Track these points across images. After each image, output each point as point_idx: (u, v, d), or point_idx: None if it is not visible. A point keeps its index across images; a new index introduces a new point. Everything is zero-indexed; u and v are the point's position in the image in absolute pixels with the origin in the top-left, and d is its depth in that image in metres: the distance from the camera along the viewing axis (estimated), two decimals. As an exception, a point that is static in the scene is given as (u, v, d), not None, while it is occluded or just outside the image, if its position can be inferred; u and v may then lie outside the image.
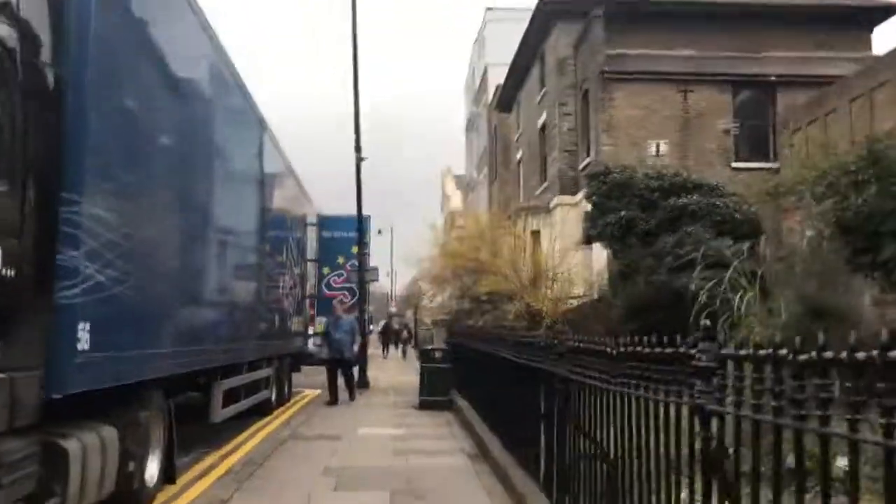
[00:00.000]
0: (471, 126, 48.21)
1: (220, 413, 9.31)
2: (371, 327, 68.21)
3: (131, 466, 6.09)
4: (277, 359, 13.74)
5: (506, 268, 16.98)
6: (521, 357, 7.32)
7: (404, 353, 41.73)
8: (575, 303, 17.54)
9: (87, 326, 5.02)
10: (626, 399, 4.29)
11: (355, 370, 16.62)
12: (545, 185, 24.55)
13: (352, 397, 15.26)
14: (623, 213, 15.41)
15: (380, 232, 54.42)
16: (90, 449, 5.34)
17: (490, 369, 9.96)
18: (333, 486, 7.31)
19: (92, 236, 5.10)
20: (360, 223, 18.11)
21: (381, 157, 74.31)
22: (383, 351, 42.71)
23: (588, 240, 16.99)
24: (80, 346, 4.93)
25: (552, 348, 5.94)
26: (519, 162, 29.98)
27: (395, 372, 26.17)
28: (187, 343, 7.58)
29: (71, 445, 5.07)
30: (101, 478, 5.56)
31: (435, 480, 7.56)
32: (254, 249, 11.61)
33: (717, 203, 15.15)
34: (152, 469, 6.84)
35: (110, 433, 5.78)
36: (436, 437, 10.48)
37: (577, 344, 5.29)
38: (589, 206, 19.56)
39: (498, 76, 34.36)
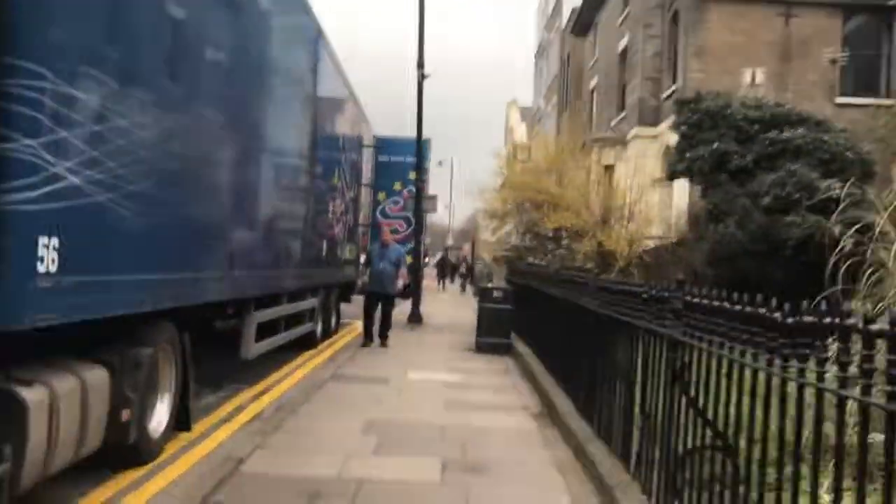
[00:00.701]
0: (541, 53, 45.87)
1: (253, 348, 8.20)
2: (427, 259, 67.87)
3: (125, 415, 4.95)
4: (324, 288, 12.63)
5: (577, 202, 15.44)
6: (609, 308, 5.92)
7: (463, 287, 40.82)
8: (651, 244, 15.97)
9: (54, 242, 3.80)
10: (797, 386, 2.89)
11: (397, 310, 15.05)
12: (622, 115, 22.66)
13: (384, 343, 12.70)
14: (716, 144, 13.65)
15: (440, 163, 52.93)
16: (64, 397, 4.19)
17: (561, 317, 8.61)
18: (374, 447, 6.12)
19: (60, 123, 3.82)
20: (419, 146, 16.67)
21: (445, 88, 72.37)
22: (439, 283, 41.86)
23: (672, 175, 15.27)
24: (41, 268, 3.72)
25: (662, 302, 4.51)
26: (593, 91, 27.98)
27: (450, 308, 25.06)
28: (204, 267, 6.38)
29: (32, 395, 3.91)
30: (81, 432, 4.43)
31: (495, 447, 6.31)
32: (299, 166, 10.36)
33: (826, 139, 13.27)
34: (160, 416, 5.73)
35: (98, 376, 4.64)
36: (495, 388, 9.23)
37: (706, 302, 3.86)
38: (672, 139, 17.74)
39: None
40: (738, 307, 3.41)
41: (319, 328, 12.46)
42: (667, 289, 4.54)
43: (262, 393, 8.38)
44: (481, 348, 12.41)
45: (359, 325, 16.07)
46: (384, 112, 29.82)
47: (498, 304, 12.67)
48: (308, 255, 11.13)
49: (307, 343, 11.79)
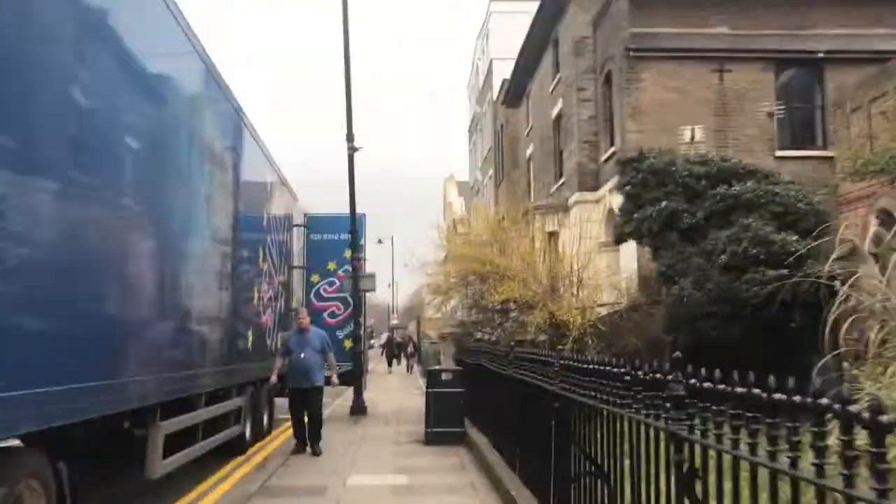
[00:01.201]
0: (474, 127, 45.91)
1: (159, 466, 6.86)
2: (372, 341, 66.27)
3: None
4: (253, 384, 11.34)
5: (523, 272, 14.55)
6: (580, 393, 4.89)
7: (409, 367, 39.70)
8: (604, 312, 15.11)
9: None
10: None
11: (339, 400, 13.56)
12: (561, 181, 22.13)
13: (314, 450, 10.52)
14: (664, 203, 12.99)
15: (380, 241, 52.21)
16: None
17: (520, 401, 7.55)
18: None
19: None
20: (353, 222, 15.67)
21: (380, 166, 72.21)
22: (388, 365, 40.74)
23: (619, 237, 14.56)
24: None
25: (657, 388, 3.50)
26: (529, 159, 27.59)
27: (398, 392, 23.74)
28: (89, 374, 5.17)
29: None
30: None
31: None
32: (217, 250, 9.25)
33: (777, 191, 12.74)
34: (19, 576, 4.43)
35: None
36: (449, 490, 8.02)
37: (721, 387, 2.86)
38: (616, 201, 17.18)
39: (504, 71, 32.10)
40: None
41: (249, 430, 11.11)
42: (659, 370, 3.54)
43: (175, 519, 7.06)
44: (431, 440, 11.19)
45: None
46: (322, 192, 28.93)
47: (447, 387, 11.52)
48: (232, 348, 9.92)
49: (235, 448, 10.45)
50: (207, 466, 9.17)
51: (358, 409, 15.53)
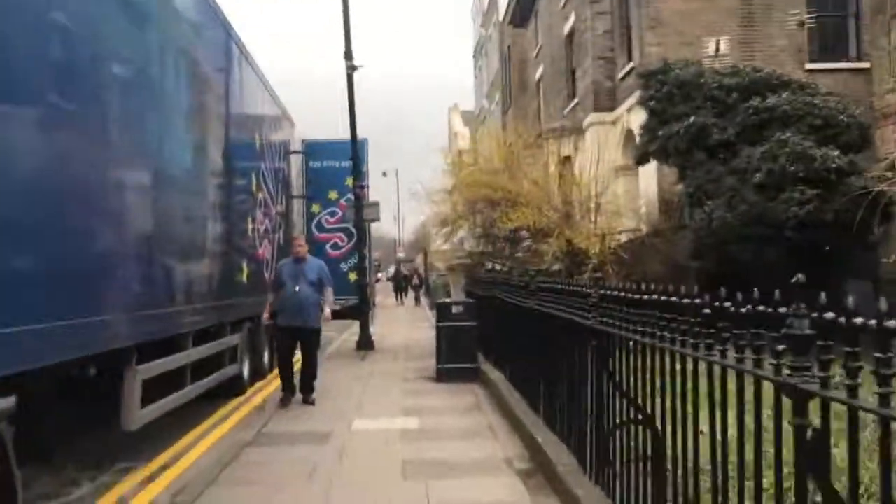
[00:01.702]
0: (479, 51, 44.23)
1: (136, 416, 6.05)
2: (380, 275, 65.79)
3: None
4: (251, 320, 10.54)
5: (537, 198, 13.58)
6: (630, 330, 4.00)
7: (417, 299, 39.48)
8: (624, 238, 14.20)
9: None
10: None
11: (346, 334, 12.60)
12: (574, 102, 20.93)
13: (307, 399, 9.06)
14: (692, 118, 11.93)
15: (384, 174, 50.94)
16: None
17: (542, 335, 6.70)
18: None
19: None
20: (354, 147, 14.63)
21: (384, 96, 70.32)
22: (397, 298, 40.46)
23: (641, 159, 13.52)
24: None
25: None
26: (538, 82, 26.28)
27: (406, 326, 23.08)
28: (47, 310, 4.32)
29: None
30: None
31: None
32: (206, 176, 8.37)
33: (816, 102, 11.64)
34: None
35: None
36: (465, 434, 7.24)
37: None
38: (636, 121, 16.09)
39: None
40: None
41: (247, 370, 10.37)
42: (766, 301, 2.60)
43: (161, 470, 6.31)
44: (443, 377, 10.42)
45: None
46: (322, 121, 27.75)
47: (459, 321, 10.69)
48: (224, 283, 9.07)
49: (233, 389, 9.71)
50: (202, 410, 8.44)
51: (365, 343, 14.79)
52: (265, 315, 9.70)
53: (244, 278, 10.06)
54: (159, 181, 6.73)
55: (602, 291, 4.59)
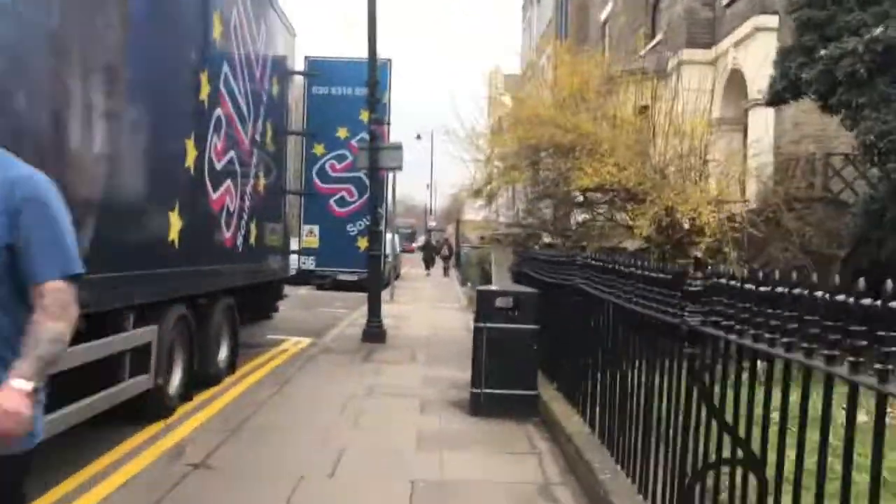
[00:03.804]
0: (528, 2, 39.88)
1: None
2: (414, 244, 62.11)
3: None
4: (187, 302, 6.82)
5: (629, 149, 9.61)
6: None
7: (445, 269, 36.27)
8: (739, 211, 10.19)
9: None
10: None
11: (347, 321, 8.84)
12: (657, 39, 16.78)
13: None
14: (877, 31, 7.81)
15: (419, 136, 46.75)
16: None
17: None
18: None
19: None
20: (372, 69, 10.69)
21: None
22: (426, 268, 37.13)
23: (778, 96, 9.36)
24: None
25: None
26: (605, 22, 22.07)
27: (431, 303, 19.31)
28: None
29: None
30: None
31: None
32: (173, 95, 4.66)
33: None
34: None
35: None
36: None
37: None
38: (741, 61, 12.07)
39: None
40: None
41: (177, 378, 6.64)
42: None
43: None
44: (482, 409, 6.57)
45: (295, 346, 10.36)
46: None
47: (510, 322, 6.78)
48: (123, 244, 5.36)
49: (148, 412, 6.03)
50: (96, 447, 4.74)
51: (373, 333, 10.97)
52: None
53: (172, 236, 6.30)
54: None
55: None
